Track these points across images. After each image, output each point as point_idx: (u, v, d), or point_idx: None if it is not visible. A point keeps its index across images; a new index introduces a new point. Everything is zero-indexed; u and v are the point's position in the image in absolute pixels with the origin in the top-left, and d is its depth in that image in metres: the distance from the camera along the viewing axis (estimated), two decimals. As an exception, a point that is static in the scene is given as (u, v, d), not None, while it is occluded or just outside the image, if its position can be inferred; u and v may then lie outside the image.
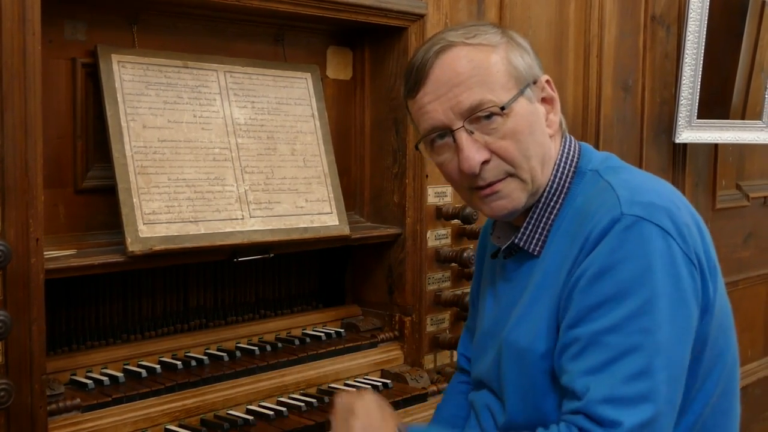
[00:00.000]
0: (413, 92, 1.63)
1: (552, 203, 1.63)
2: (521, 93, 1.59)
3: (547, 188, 1.63)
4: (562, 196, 1.63)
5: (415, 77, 1.62)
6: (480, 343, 1.79)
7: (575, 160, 1.66)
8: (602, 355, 1.43)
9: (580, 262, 1.50)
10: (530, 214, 1.65)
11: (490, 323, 1.75)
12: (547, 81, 1.66)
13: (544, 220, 1.63)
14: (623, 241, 1.46)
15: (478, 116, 1.57)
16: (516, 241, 1.66)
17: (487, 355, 1.72)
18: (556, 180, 1.64)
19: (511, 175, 1.59)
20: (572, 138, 1.72)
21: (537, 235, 1.63)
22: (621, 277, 1.44)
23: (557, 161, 1.65)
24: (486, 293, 1.81)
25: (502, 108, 1.56)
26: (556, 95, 1.66)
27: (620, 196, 1.51)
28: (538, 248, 1.63)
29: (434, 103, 1.59)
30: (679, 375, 1.46)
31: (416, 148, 1.71)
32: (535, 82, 1.63)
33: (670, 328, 1.43)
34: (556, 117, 1.66)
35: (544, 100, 1.66)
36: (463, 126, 1.57)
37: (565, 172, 1.64)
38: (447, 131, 1.60)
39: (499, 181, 1.60)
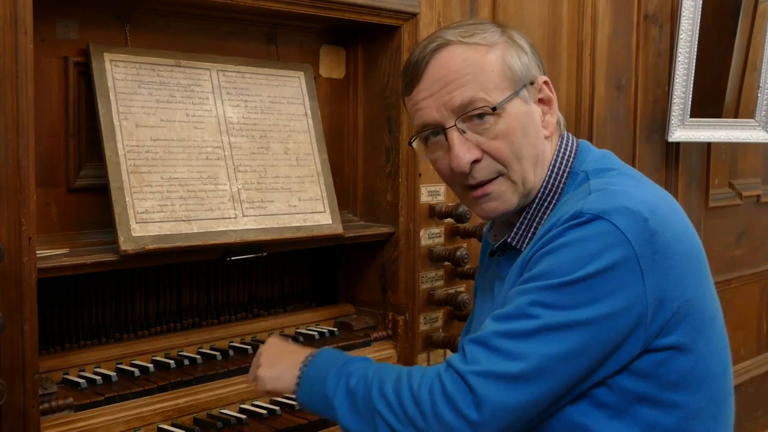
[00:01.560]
0: (409, 89, 1.65)
1: (546, 203, 1.63)
2: (516, 94, 1.59)
3: (542, 189, 1.63)
4: (556, 196, 1.63)
5: (412, 74, 1.63)
6: None
7: (571, 160, 1.65)
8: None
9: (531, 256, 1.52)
10: (524, 213, 1.65)
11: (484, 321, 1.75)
12: (546, 82, 1.65)
13: (537, 219, 1.63)
14: (571, 230, 1.45)
15: (470, 115, 1.57)
16: (509, 240, 1.66)
17: None
18: (551, 181, 1.63)
19: (502, 174, 1.60)
20: (571, 137, 1.70)
21: (529, 235, 1.63)
22: (557, 261, 1.44)
23: (552, 162, 1.64)
24: (484, 291, 1.82)
25: (495, 108, 1.56)
26: (554, 96, 1.65)
27: (591, 197, 1.49)
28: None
29: (428, 100, 1.61)
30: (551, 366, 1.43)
31: (410, 144, 1.71)
32: (532, 83, 1.62)
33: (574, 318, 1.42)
34: (553, 118, 1.65)
35: (542, 101, 1.64)
36: (455, 125, 1.58)
37: (560, 172, 1.64)
38: (440, 129, 1.61)
39: (490, 181, 1.60)
